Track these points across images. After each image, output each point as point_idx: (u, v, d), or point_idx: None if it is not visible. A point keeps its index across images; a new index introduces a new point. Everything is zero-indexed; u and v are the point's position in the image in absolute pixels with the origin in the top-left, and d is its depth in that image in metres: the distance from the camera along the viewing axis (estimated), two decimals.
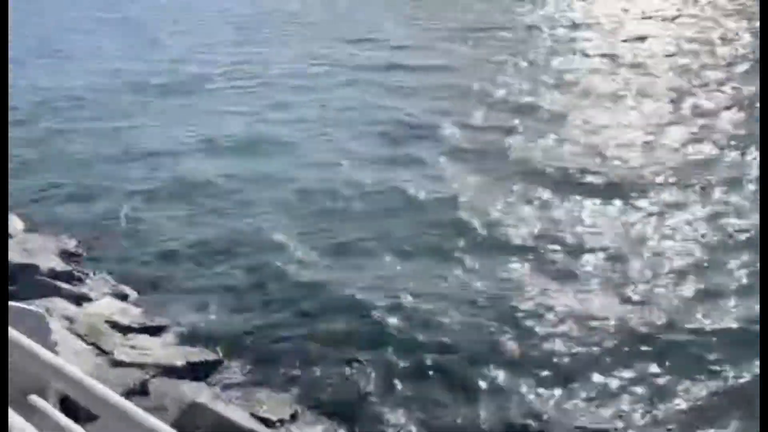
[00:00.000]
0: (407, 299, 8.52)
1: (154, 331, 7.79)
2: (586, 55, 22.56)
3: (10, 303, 2.06)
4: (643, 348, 7.43)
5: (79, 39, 41.01)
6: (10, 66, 22.22)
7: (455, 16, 35.07)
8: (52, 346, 1.78)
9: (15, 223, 11.40)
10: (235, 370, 7.36)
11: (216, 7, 46.87)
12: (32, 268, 8.36)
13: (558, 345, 7.53)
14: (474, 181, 12.34)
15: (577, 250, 9.58)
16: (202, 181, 13.02)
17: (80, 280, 8.78)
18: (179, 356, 7.11)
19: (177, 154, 14.77)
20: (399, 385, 7.05)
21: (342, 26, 34.56)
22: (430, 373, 7.25)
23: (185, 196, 12.40)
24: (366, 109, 17.67)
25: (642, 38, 23.45)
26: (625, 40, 24.04)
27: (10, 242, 9.60)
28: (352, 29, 33.94)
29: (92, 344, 6.99)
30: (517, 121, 15.52)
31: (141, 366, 6.57)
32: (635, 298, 8.40)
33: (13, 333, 1.68)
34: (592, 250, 9.55)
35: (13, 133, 18.16)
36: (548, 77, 19.63)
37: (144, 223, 11.42)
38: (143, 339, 7.40)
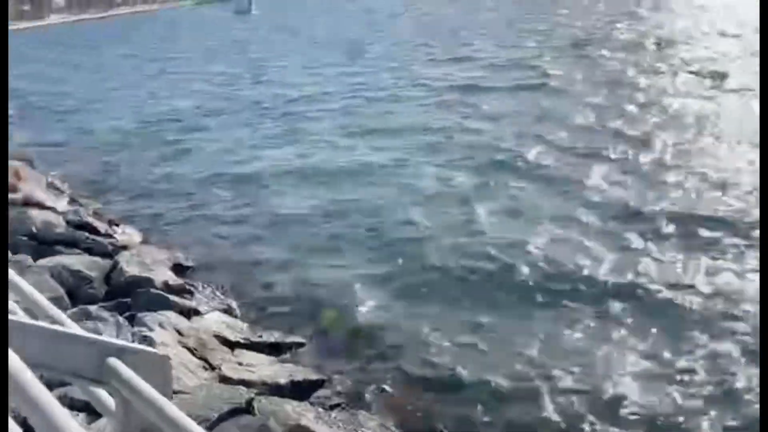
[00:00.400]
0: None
1: (260, 347, 7.87)
2: (690, 74, 21.69)
3: (135, 345, 2.07)
4: None
5: (188, 62, 43.15)
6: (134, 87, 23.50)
7: (556, 30, 34.69)
8: (169, 392, 1.77)
9: (133, 236, 11.93)
10: (338, 390, 7.34)
11: (308, 33, 48.64)
12: (147, 281, 8.66)
13: None
14: (559, 220, 11.38)
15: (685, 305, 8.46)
16: (302, 212, 13.06)
17: (191, 294, 9.01)
18: (284, 374, 7.14)
19: (277, 179, 15.26)
20: None
21: (440, 46, 34.72)
22: None
23: (289, 222, 12.61)
24: (456, 133, 17.57)
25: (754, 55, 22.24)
26: (734, 59, 22.97)
27: (127, 254, 10.02)
28: (449, 48, 34.08)
29: (201, 358, 7.15)
30: (609, 149, 14.95)
31: (247, 383, 6.64)
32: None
33: (133, 376, 1.79)
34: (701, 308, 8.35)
35: (134, 150, 19.51)
36: (648, 101, 18.98)
37: (246, 244, 11.70)
38: (249, 355, 7.50)
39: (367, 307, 9.00)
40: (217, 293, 9.38)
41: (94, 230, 11.26)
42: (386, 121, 19.99)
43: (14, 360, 1.72)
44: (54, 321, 2.41)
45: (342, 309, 8.99)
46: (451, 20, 54.48)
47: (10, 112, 29.73)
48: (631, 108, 18.70)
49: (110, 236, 11.43)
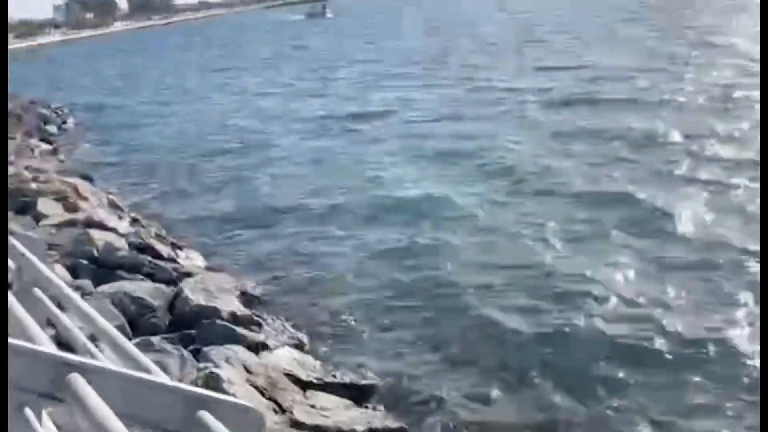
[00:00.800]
0: None
1: (334, 388, 7.79)
2: None
3: (225, 397, 2.03)
4: None
5: (254, 72, 44.13)
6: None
7: (678, 33, 33.77)
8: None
9: (197, 261, 12.15)
10: None
11: (386, 40, 48.92)
12: (213, 312, 8.75)
13: None
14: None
15: None
16: (384, 246, 12.95)
17: (259, 326, 9.05)
18: (361, 420, 7.04)
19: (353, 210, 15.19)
20: None
21: (538, 50, 34.26)
22: None
23: (365, 255, 12.50)
24: (529, 160, 17.20)
25: None
26: None
27: (191, 281, 10.17)
28: (549, 54, 33.54)
29: (271, 399, 7.13)
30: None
31: (321, 430, 6.58)
32: None
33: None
34: None
35: (198, 168, 20.01)
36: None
37: (319, 274, 11.68)
38: (323, 397, 7.43)
39: (449, 352, 8.87)
40: (287, 326, 9.39)
41: (157, 254, 11.50)
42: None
43: (100, 407, 1.69)
44: (129, 358, 2.39)
45: (422, 350, 8.88)
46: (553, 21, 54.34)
47: (69, 124, 31.29)
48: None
49: (174, 261, 11.66)
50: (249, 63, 51.46)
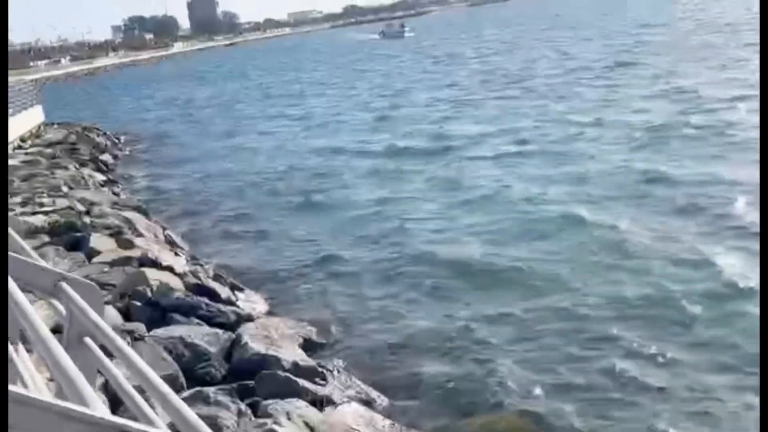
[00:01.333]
0: None
1: None
2: None
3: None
4: None
5: (320, 97, 44.70)
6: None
7: None
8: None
9: (258, 304, 12.34)
10: None
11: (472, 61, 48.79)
12: (274, 361, 8.85)
13: None
14: None
15: None
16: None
17: (324, 378, 9.08)
18: None
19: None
20: None
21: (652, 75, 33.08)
22: None
23: (443, 301, 12.34)
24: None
25: None
26: None
27: (251, 326, 10.32)
28: (662, 78, 32.31)
29: None
30: None
31: None
32: None
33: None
34: None
35: (260, 204, 20.40)
36: None
37: (390, 321, 11.66)
38: None
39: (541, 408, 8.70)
40: (355, 379, 9.39)
41: (215, 295, 11.75)
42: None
43: None
44: (180, 418, 2.42)
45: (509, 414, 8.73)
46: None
47: (125, 153, 32.41)
48: None
49: (232, 303, 11.87)
50: (314, 89, 52.19)
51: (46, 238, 14.56)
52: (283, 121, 38.75)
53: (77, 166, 25.92)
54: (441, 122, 30.95)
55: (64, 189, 20.18)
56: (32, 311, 2.64)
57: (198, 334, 9.45)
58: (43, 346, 2.33)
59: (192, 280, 12.24)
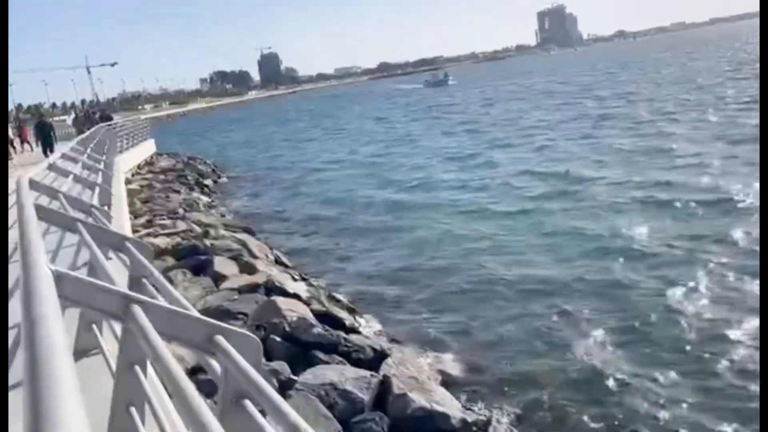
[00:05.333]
0: None
1: None
2: None
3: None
4: None
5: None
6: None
7: None
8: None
9: (376, 326, 9.79)
10: None
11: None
12: (442, 420, 6.25)
13: None
14: None
15: None
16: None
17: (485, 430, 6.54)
18: None
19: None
20: None
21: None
22: None
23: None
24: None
25: None
26: None
27: (391, 362, 7.74)
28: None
29: None
30: None
31: None
32: None
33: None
34: None
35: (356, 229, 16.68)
36: None
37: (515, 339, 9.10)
38: None
39: None
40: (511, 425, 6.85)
41: (342, 324, 9.23)
42: None
43: None
44: None
45: None
46: None
47: (224, 179, 30.02)
48: None
49: (356, 331, 9.33)
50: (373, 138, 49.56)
51: (171, 260, 12.21)
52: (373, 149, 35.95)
53: (188, 190, 23.59)
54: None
55: (180, 211, 17.82)
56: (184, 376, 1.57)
57: (347, 378, 6.92)
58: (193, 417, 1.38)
59: (318, 306, 9.73)
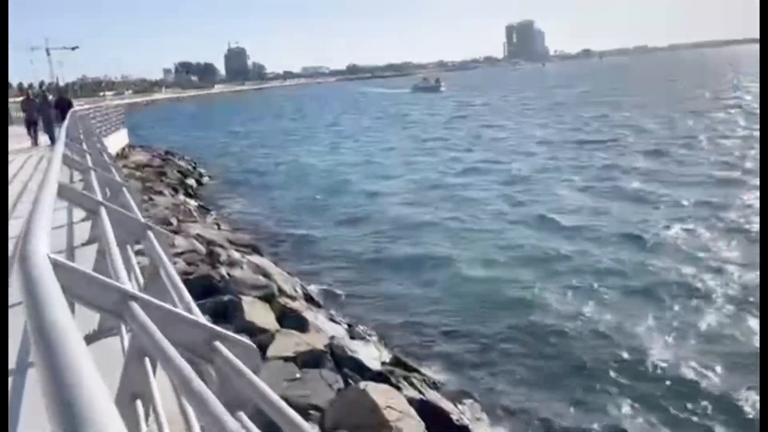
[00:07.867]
0: None
1: None
2: None
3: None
4: None
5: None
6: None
7: None
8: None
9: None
10: None
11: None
12: None
13: None
14: None
15: None
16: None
17: None
18: None
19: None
20: None
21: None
22: None
23: None
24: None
25: None
26: None
27: None
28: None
29: None
30: None
31: None
32: None
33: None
34: None
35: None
36: None
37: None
38: None
39: None
40: None
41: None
42: None
43: None
44: None
45: None
46: None
47: (206, 179, 26.57)
48: None
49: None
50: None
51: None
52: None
53: (172, 192, 20.17)
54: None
55: (173, 221, 14.50)
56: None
57: None
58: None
59: (414, 394, 6.69)
